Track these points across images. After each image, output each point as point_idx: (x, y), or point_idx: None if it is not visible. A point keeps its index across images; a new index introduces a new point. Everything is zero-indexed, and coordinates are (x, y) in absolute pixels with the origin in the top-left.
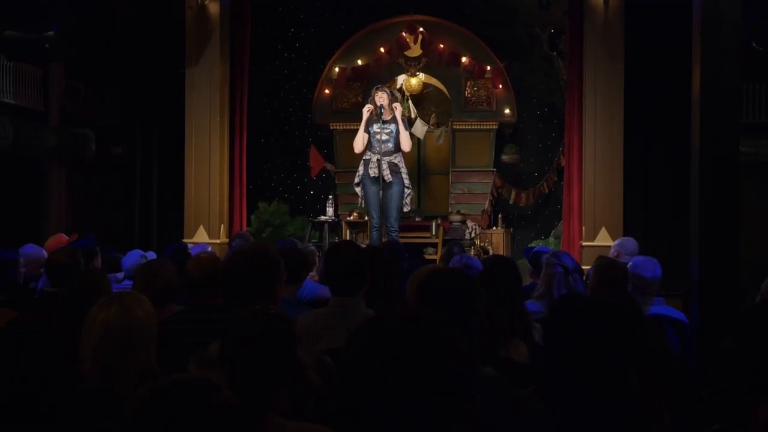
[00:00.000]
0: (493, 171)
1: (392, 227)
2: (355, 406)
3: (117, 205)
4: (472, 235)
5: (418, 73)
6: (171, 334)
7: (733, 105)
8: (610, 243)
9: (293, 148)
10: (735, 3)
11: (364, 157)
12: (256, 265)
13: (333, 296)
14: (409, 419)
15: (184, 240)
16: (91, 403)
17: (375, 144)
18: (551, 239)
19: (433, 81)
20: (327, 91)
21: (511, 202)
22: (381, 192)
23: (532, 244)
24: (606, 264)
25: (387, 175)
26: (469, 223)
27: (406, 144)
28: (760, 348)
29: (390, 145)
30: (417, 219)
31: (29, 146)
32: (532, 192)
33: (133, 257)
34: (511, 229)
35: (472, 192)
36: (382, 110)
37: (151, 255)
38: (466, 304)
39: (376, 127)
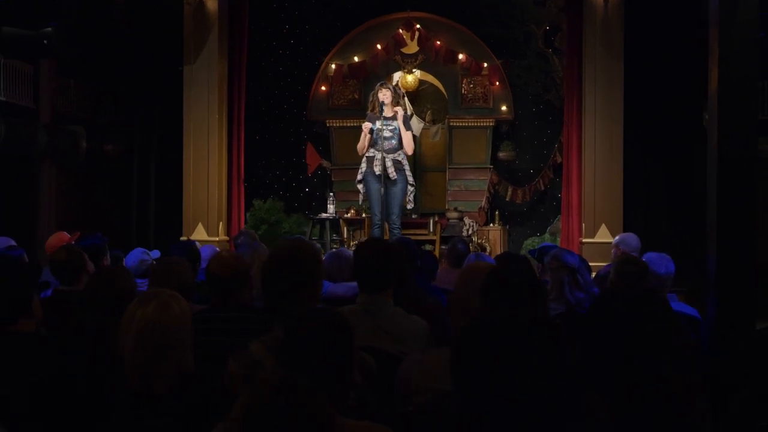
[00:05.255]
0: (490, 168)
1: (395, 224)
2: (469, 405)
3: (113, 202)
4: (470, 232)
5: (414, 70)
6: (196, 334)
7: (750, 102)
8: (610, 240)
9: (288, 145)
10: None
11: (367, 155)
12: (299, 264)
13: (361, 293)
14: (526, 420)
15: (182, 238)
16: (132, 404)
17: (378, 141)
18: (547, 236)
19: (430, 78)
20: (323, 88)
21: (507, 199)
22: (383, 189)
23: (528, 241)
24: (626, 259)
25: (392, 173)
26: (467, 220)
27: (408, 146)
28: None
29: (393, 142)
30: (414, 216)
31: (20, 144)
32: (528, 189)
33: (136, 255)
34: (507, 226)
35: (469, 189)
36: (383, 107)
37: (156, 254)
38: (536, 298)
39: (379, 124)
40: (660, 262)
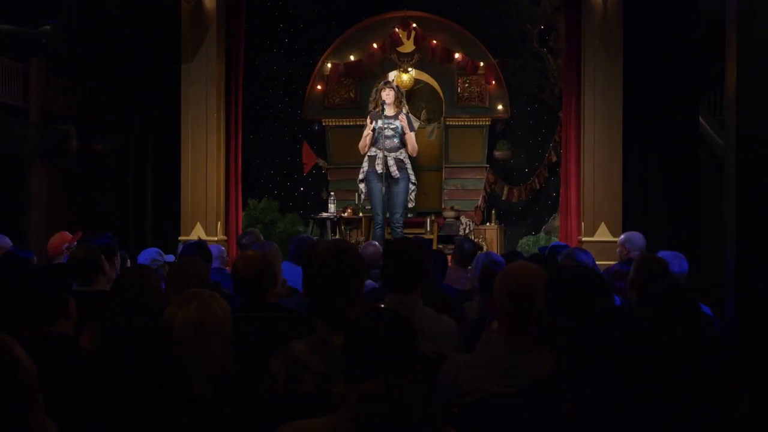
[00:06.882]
0: (486, 167)
1: (398, 223)
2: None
3: (107, 202)
4: (466, 231)
5: (410, 69)
6: None
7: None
8: (610, 238)
9: (283, 144)
10: None
11: (368, 154)
12: (344, 264)
13: (390, 293)
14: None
15: (181, 237)
16: (178, 407)
17: (380, 140)
18: (542, 234)
19: (426, 77)
20: (319, 87)
21: (503, 198)
22: (384, 188)
23: (524, 240)
24: (646, 258)
25: (395, 171)
26: (463, 219)
27: (411, 148)
28: None
29: (395, 140)
30: (409, 215)
31: (9, 142)
32: (524, 188)
33: (149, 254)
34: (503, 225)
35: (466, 188)
36: (385, 106)
37: (170, 258)
38: (607, 294)
39: (380, 123)
40: (674, 260)
